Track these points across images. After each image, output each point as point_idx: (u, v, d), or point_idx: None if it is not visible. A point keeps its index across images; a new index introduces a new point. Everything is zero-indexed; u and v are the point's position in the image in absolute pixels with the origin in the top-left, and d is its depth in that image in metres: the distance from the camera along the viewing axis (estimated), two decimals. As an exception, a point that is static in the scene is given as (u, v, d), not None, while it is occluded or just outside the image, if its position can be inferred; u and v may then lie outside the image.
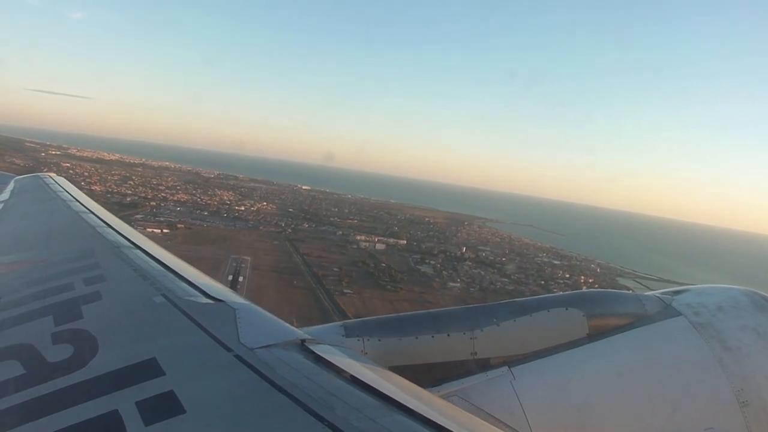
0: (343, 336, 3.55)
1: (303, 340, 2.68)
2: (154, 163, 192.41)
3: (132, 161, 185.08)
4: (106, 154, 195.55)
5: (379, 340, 3.56)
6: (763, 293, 4.17)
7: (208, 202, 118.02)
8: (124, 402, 2.11)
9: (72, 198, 8.05)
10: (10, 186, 9.74)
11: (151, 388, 2.21)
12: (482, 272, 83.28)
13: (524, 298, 4.02)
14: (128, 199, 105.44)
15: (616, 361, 3.67)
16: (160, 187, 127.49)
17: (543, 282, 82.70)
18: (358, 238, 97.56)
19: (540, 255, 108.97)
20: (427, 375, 3.49)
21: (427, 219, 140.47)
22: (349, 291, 65.54)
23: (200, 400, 2.14)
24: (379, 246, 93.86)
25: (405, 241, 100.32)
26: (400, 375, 2.97)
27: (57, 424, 2.03)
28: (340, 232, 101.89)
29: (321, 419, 1.91)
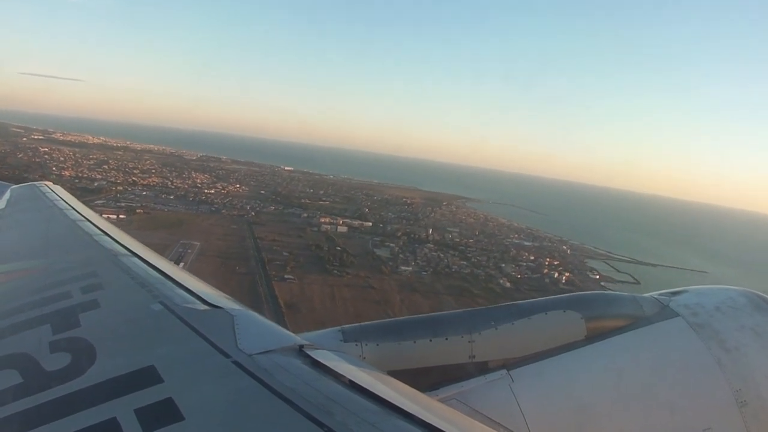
0: (341, 341, 3.53)
1: (301, 346, 2.68)
2: (137, 145, 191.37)
3: (115, 144, 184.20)
4: (90, 137, 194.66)
5: (377, 344, 3.55)
6: (760, 293, 4.14)
7: (179, 185, 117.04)
8: (123, 410, 2.12)
9: (68, 206, 8.08)
10: (6, 195, 9.76)
11: (149, 396, 2.22)
12: (441, 255, 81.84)
13: (522, 301, 4.00)
14: (95, 184, 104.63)
15: (615, 362, 3.67)
16: (135, 171, 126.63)
17: (503, 265, 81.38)
18: (322, 220, 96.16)
19: (512, 236, 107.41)
20: (426, 379, 3.47)
21: (404, 199, 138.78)
22: (291, 277, 64.11)
23: (199, 407, 2.16)
24: (342, 228, 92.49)
25: (371, 223, 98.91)
26: (398, 379, 2.98)
27: None
28: (306, 215, 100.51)
29: (320, 425, 1.92)
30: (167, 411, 2.08)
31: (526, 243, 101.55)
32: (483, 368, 3.58)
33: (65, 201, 8.61)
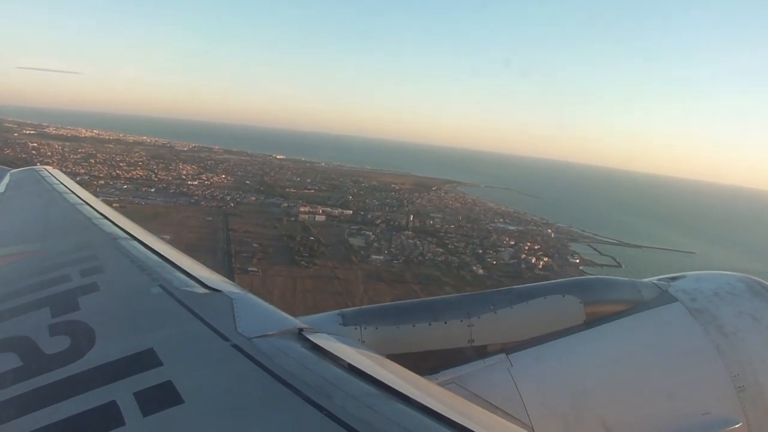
0: (340, 324, 3.55)
1: (300, 329, 2.70)
2: (130, 137, 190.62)
3: (107, 137, 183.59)
4: (84, 130, 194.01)
5: (377, 328, 3.57)
6: (759, 279, 4.13)
7: (163, 177, 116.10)
8: (122, 393, 2.14)
9: (68, 190, 8.03)
10: (6, 179, 9.75)
11: (148, 379, 2.23)
12: (418, 242, 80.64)
13: (521, 285, 4.01)
14: (77, 178, 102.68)
15: (613, 347, 3.70)
16: (121, 164, 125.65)
17: (481, 251, 79.96)
18: (301, 209, 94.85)
19: (497, 220, 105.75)
20: (425, 363, 3.49)
21: (393, 185, 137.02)
22: (255, 269, 63.15)
23: (198, 390, 2.18)
24: (320, 217, 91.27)
25: (351, 211, 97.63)
26: (397, 363, 2.99)
27: (55, 416, 2.07)
28: (286, 204, 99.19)
29: (319, 408, 1.93)
30: (166, 394, 2.08)
31: (511, 227, 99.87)
32: (482, 352, 3.59)
33: (65, 185, 8.57)
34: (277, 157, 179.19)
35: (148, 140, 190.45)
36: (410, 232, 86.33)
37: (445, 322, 3.62)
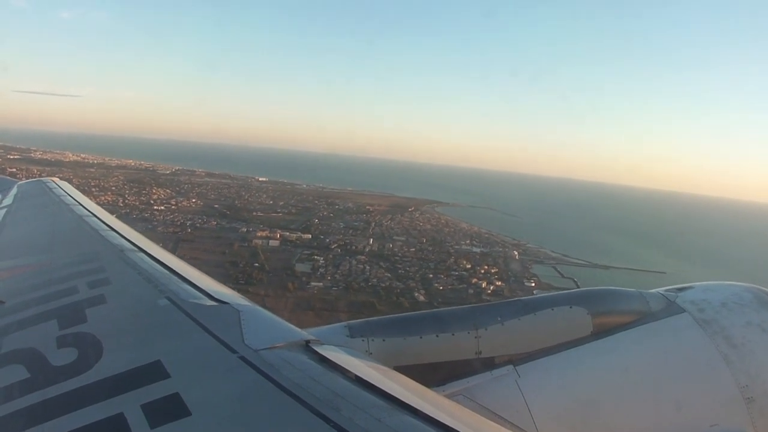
0: (347, 336, 3.55)
1: (307, 341, 2.71)
2: (114, 161, 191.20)
3: (91, 161, 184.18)
4: (70, 154, 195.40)
5: (384, 340, 3.57)
6: (767, 290, 4.11)
7: (131, 202, 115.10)
8: (130, 405, 2.15)
9: (75, 202, 8.05)
10: (13, 191, 9.69)
11: (156, 391, 2.24)
12: (367, 267, 78.33)
13: (528, 297, 3.98)
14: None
15: (621, 358, 3.68)
16: (93, 190, 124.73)
17: (431, 276, 77.67)
18: (258, 234, 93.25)
19: (463, 242, 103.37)
20: (432, 374, 3.50)
21: (368, 207, 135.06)
22: (180, 299, 61.49)
23: (205, 402, 2.18)
24: (274, 242, 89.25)
25: (310, 236, 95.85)
26: (405, 375, 3.00)
27: (62, 428, 2.09)
28: (245, 229, 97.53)
29: (326, 420, 1.94)
30: (174, 406, 2.09)
31: (475, 249, 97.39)
32: (489, 364, 3.57)
33: (72, 197, 8.60)
34: (259, 179, 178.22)
35: (133, 163, 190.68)
36: (363, 257, 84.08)
37: (453, 334, 3.57)
